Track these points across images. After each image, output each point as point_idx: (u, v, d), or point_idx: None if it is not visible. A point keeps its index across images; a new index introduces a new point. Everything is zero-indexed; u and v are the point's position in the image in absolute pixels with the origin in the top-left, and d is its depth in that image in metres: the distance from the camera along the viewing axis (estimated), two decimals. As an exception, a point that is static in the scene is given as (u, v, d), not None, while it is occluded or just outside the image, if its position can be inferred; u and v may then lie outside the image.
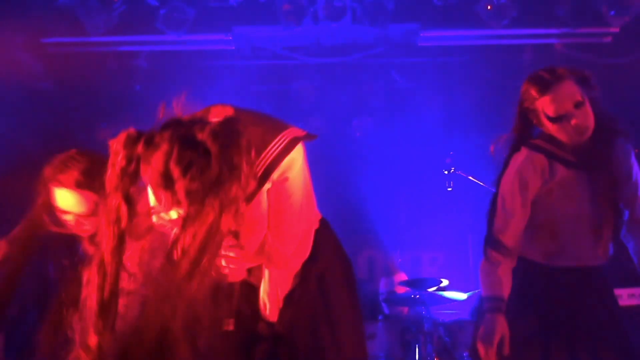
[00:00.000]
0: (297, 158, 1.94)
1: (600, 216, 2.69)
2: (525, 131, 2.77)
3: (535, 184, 2.70)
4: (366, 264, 6.92)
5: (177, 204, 1.67)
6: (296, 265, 2.09)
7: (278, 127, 1.94)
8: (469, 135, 6.50)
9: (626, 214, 2.76)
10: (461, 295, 5.19)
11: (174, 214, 1.72)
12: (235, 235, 1.93)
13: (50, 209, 2.67)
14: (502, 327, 2.61)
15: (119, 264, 1.73)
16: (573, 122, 2.58)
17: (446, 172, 5.39)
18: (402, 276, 6.08)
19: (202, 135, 1.66)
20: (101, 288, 1.70)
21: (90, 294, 1.73)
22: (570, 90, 2.59)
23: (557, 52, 6.35)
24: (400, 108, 6.57)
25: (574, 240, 2.71)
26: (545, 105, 2.61)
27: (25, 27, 5.99)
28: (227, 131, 1.69)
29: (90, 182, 2.58)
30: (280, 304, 2.07)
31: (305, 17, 5.90)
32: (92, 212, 2.58)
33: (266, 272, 2.10)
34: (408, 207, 6.99)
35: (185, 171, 1.63)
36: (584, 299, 2.70)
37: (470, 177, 5.25)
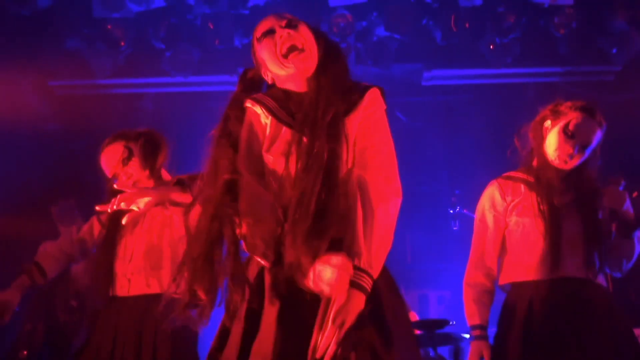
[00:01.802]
0: (380, 100, 2.19)
1: (574, 231, 2.83)
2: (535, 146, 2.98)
3: (501, 203, 2.99)
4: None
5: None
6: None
7: None
8: (474, 173, 6.49)
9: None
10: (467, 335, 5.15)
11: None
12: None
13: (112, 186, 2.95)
14: (486, 351, 2.87)
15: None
16: (571, 150, 2.83)
17: (452, 212, 5.38)
18: (413, 315, 6.03)
19: None
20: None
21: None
22: (594, 133, 2.85)
23: (561, 89, 6.38)
24: (404, 147, 6.56)
25: (549, 253, 2.81)
26: (573, 118, 2.83)
27: (33, 70, 6.06)
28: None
29: (114, 137, 3.10)
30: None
31: (310, 58, 5.95)
32: (128, 155, 3.03)
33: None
34: (414, 245, 6.96)
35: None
36: (575, 310, 2.76)
37: (476, 216, 5.23)
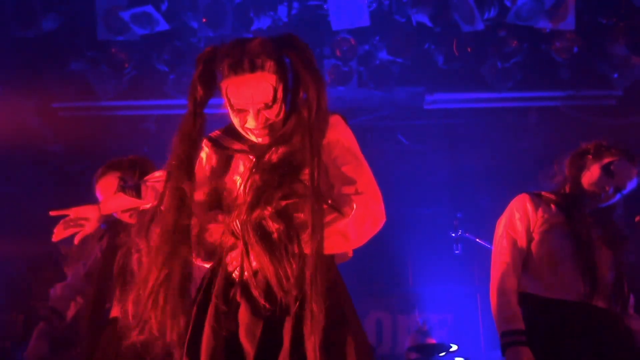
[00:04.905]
0: (342, 122, 2.26)
1: (602, 264, 2.89)
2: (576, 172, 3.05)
3: (531, 215, 3.00)
4: (374, 326, 6.85)
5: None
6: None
7: None
8: (476, 196, 6.50)
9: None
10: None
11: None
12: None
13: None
14: (528, 357, 2.75)
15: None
16: (607, 188, 2.93)
17: (453, 235, 5.38)
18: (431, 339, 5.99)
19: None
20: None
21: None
22: (631, 180, 2.97)
23: (562, 114, 6.40)
24: (406, 170, 6.59)
25: (572, 275, 2.87)
26: (617, 160, 2.95)
27: (37, 92, 6.09)
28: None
29: (108, 168, 3.15)
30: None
31: (312, 81, 5.97)
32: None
33: None
34: (415, 268, 6.95)
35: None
36: (589, 336, 2.79)
37: (478, 240, 5.23)
